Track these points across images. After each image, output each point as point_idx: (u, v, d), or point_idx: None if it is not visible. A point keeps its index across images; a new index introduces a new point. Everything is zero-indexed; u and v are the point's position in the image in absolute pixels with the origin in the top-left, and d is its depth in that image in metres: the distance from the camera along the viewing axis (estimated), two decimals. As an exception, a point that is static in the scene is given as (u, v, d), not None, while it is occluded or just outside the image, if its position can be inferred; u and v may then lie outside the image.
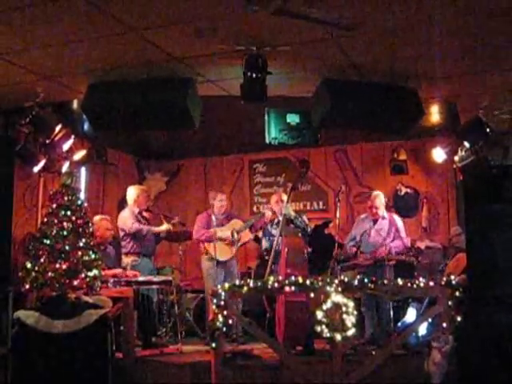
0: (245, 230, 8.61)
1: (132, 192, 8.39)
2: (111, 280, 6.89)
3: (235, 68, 6.05)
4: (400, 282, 5.67)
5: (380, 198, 8.18)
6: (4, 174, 6.70)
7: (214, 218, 8.23)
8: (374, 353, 6.40)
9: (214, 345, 5.37)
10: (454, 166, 8.52)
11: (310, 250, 7.76)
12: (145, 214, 8.38)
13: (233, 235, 8.43)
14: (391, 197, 9.65)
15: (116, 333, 6.62)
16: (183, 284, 9.35)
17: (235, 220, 8.75)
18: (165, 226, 8.34)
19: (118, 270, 7.42)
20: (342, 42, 5.57)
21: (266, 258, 8.09)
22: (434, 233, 9.79)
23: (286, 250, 7.25)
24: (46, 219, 6.44)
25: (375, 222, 8.13)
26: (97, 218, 7.69)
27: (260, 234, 8.63)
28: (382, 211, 8.14)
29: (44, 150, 7.34)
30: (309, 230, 8.16)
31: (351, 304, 5.32)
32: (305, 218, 8.21)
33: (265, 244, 8.26)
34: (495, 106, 7.38)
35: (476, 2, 4.73)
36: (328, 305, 5.29)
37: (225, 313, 5.32)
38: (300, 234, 7.73)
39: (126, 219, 8.14)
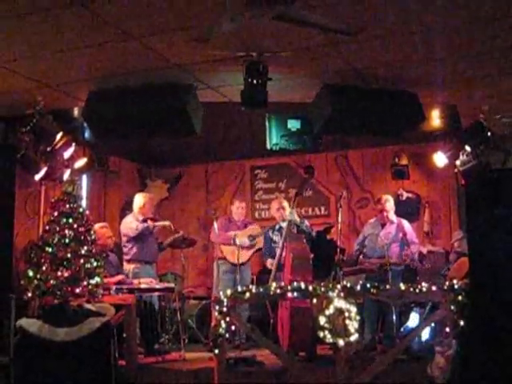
0: (261, 236, 8.67)
1: (139, 200, 8.44)
2: (113, 287, 6.89)
3: (236, 74, 6.06)
4: (403, 286, 5.67)
5: (390, 202, 8.20)
6: (5, 182, 6.71)
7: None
8: (376, 358, 6.38)
9: (216, 351, 5.37)
10: (456, 171, 8.51)
11: (312, 255, 7.74)
12: (149, 222, 8.39)
13: (250, 239, 8.53)
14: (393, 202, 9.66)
15: (118, 340, 6.61)
16: (186, 291, 9.34)
17: (252, 226, 8.93)
18: (168, 222, 8.46)
19: (120, 277, 7.42)
20: (342, 48, 5.57)
21: (269, 266, 8.09)
22: (436, 237, 9.78)
23: (291, 256, 7.22)
24: (47, 227, 6.43)
25: (383, 226, 8.14)
26: (96, 226, 7.63)
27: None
28: (392, 215, 8.15)
29: (45, 157, 7.34)
30: (314, 234, 8.19)
31: (354, 309, 5.31)
32: (307, 222, 8.23)
33: (269, 263, 8.23)
34: (496, 110, 7.39)
35: (476, 7, 4.74)
36: (331, 310, 5.29)
37: (227, 319, 5.31)
38: (304, 240, 7.73)
39: (130, 223, 8.20)
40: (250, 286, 5.92)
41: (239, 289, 5.60)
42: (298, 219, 7.99)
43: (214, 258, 8.85)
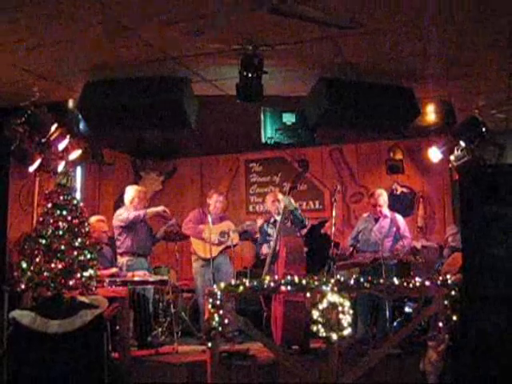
0: (233, 234, 8.46)
1: (129, 193, 8.36)
2: (107, 280, 6.88)
3: (231, 67, 6.05)
4: (396, 281, 5.67)
5: (384, 197, 8.22)
6: (-1, 173, 6.70)
7: (209, 216, 8.24)
8: (369, 352, 6.39)
9: (209, 344, 5.36)
10: (450, 166, 8.52)
11: (305, 249, 7.75)
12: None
13: (221, 236, 8.38)
14: (387, 196, 9.66)
15: (112, 333, 6.60)
16: (179, 284, 9.34)
17: (227, 222, 8.67)
18: (161, 208, 8.40)
19: (114, 270, 7.41)
20: (338, 42, 5.57)
21: (262, 257, 8.08)
22: (430, 232, 9.81)
23: (285, 249, 7.22)
24: (41, 219, 6.42)
25: (377, 220, 8.15)
26: (93, 219, 7.62)
27: (257, 235, 8.61)
28: (385, 210, 8.17)
29: (39, 149, 7.30)
30: (306, 222, 8.17)
31: (347, 303, 5.32)
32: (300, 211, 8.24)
33: (265, 249, 8.20)
34: (491, 106, 7.39)
35: (473, 2, 4.73)
36: (324, 304, 5.29)
37: (221, 312, 5.31)
38: (298, 234, 7.72)
39: (122, 214, 8.15)
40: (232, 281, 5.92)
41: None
42: (293, 204, 7.91)
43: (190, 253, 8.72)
